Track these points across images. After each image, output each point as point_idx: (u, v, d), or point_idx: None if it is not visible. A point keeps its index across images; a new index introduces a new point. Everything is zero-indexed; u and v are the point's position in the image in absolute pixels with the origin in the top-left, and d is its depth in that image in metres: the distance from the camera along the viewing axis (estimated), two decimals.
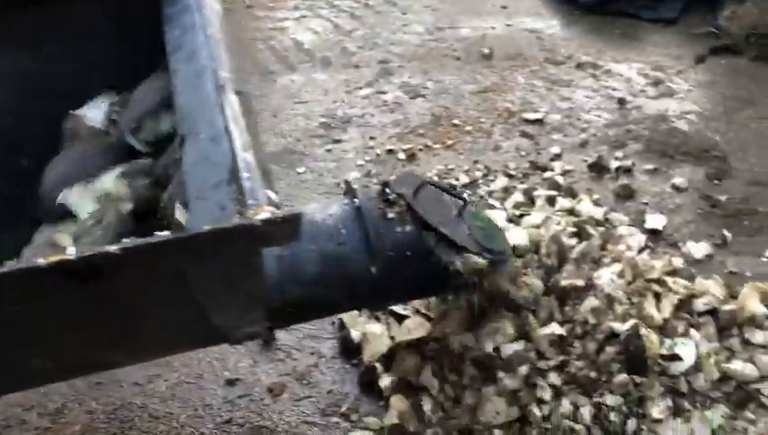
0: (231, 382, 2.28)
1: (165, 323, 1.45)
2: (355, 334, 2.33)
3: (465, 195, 2.03)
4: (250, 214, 1.13)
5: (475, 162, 3.24)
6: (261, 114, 3.71)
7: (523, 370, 1.83)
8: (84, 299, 1.21)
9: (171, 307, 1.37)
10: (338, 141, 3.48)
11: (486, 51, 4.16)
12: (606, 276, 1.90)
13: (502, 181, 3.04)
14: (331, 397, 2.22)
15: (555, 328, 1.87)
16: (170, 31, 1.89)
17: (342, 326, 2.39)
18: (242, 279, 1.31)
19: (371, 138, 3.48)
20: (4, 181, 1.97)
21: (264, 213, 1.12)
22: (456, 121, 3.56)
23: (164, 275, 1.24)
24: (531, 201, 2.82)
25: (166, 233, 1.21)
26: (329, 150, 3.41)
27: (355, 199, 1.89)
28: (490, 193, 2.99)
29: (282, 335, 2.42)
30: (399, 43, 4.38)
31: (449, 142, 3.40)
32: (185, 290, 1.29)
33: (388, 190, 1.89)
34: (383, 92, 3.87)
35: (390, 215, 1.83)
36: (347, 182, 1.99)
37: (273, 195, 1.20)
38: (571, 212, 2.66)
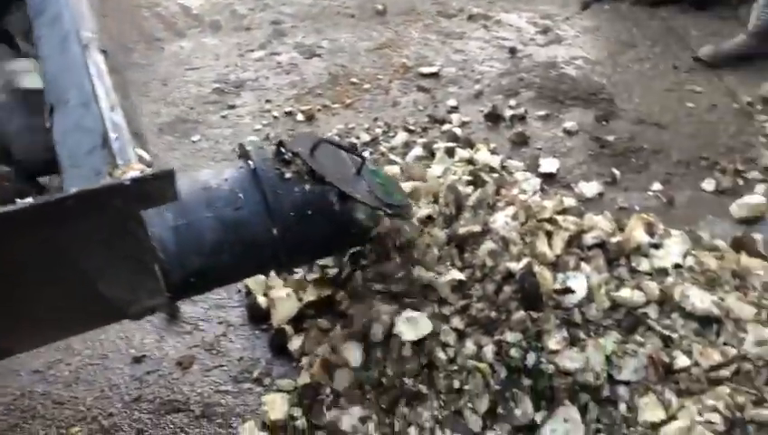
0: (138, 360, 2.22)
1: (56, 300, 1.39)
2: (262, 300, 2.31)
3: (363, 152, 2.01)
4: (118, 173, 1.08)
5: (375, 119, 3.24)
6: (150, 84, 3.57)
7: (426, 316, 1.87)
8: None
9: (58, 281, 1.31)
10: (233, 107, 3.40)
11: (380, 7, 4.13)
12: (501, 220, 1.96)
13: (402, 137, 3.06)
14: (243, 364, 2.20)
15: (455, 274, 1.91)
16: None
17: (249, 293, 2.36)
18: (125, 246, 1.26)
19: (267, 101, 3.41)
20: None
21: (134, 171, 1.08)
22: (353, 80, 3.53)
23: (40, 244, 1.17)
24: (431, 154, 2.85)
25: (29, 200, 1.14)
26: (224, 117, 3.32)
27: (250, 162, 1.84)
28: (391, 149, 3.00)
29: (187, 308, 2.37)
30: (291, 3, 4.28)
31: (348, 101, 3.38)
32: (69, 261, 1.23)
33: (283, 150, 1.85)
34: (277, 54, 3.79)
35: (288, 175, 1.80)
36: (241, 145, 1.93)
37: (144, 154, 1.17)
38: (469, 162, 2.71)
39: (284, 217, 1.77)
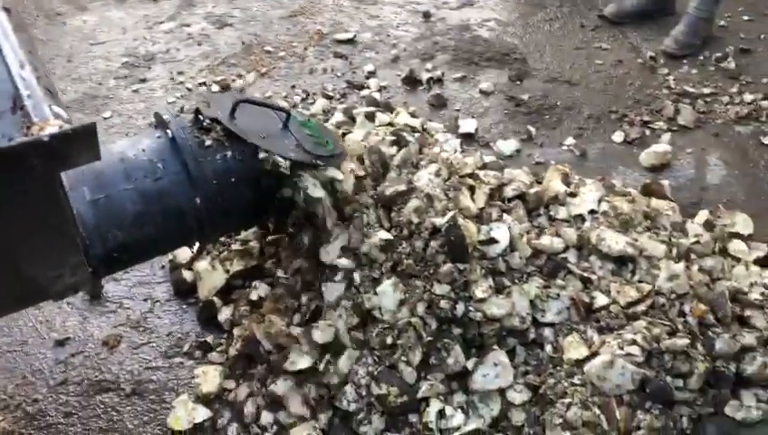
0: (61, 343, 2.14)
1: None
2: (188, 274, 2.27)
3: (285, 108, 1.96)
4: (35, 130, 1.03)
5: (293, 87, 3.20)
6: (54, 60, 3.40)
7: (357, 278, 1.89)
8: None
9: None
10: (144, 81, 3.28)
11: None
12: (425, 178, 1.98)
13: (321, 103, 3.04)
14: (172, 339, 2.16)
15: (383, 234, 1.93)
16: None
17: (174, 268, 2.32)
18: (45, 213, 1.20)
19: (180, 73, 3.31)
20: None
21: (52, 128, 1.03)
22: (268, 48, 3.47)
23: None
24: (351, 120, 2.84)
25: None
26: (135, 91, 3.21)
27: (168, 131, 1.79)
28: (311, 116, 2.98)
29: (110, 287, 2.30)
30: None
31: (263, 70, 3.32)
32: None
33: (201, 117, 1.81)
34: (187, 25, 3.68)
35: (208, 142, 1.75)
36: (156, 114, 1.86)
37: (60, 110, 1.10)
38: (390, 125, 2.72)
39: (207, 185, 1.72)
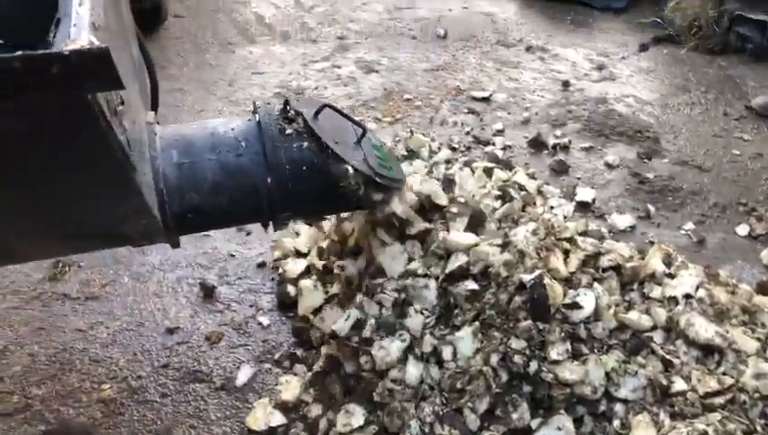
0: (171, 331, 2.38)
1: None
2: (292, 289, 2.45)
3: (364, 125, 2.10)
4: (61, 47, 1.06)
5: (422, 135, 3.36)
6: (218, 83, 3.80)
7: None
8: None
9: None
10: None
11: (441, 31, 4.29)
12: (521, 234, 2.04)
13: (445, 153, 3.15)
14: (266, 345, 2.33)
15: (470, 284, 2.00)
16: None
17: (281, 282, 2.51)
18: (89, 143, 1.28)
19: None
20: None
21: (74, 45, 1.06)
22: (407, 96, 3.68)
23: None
24: (470, 172, 2.95)
25: None
26: None
27: (257, 115, 1.96)
28: (433, 164, 3.12)
29: (223, 289, 2.53)
30: (358, 20, 4.48)
31: (398, 116, 3.52)
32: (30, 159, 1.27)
33: (288, 108, 1.96)
34: (338, 67, 3.97)
35: (288, 131, 1.91)
36: (254, 103, 2.05)
37: (94, 39, 1.12)
38: (505, 182, 2.80)
39: (280, 168, 1.86)
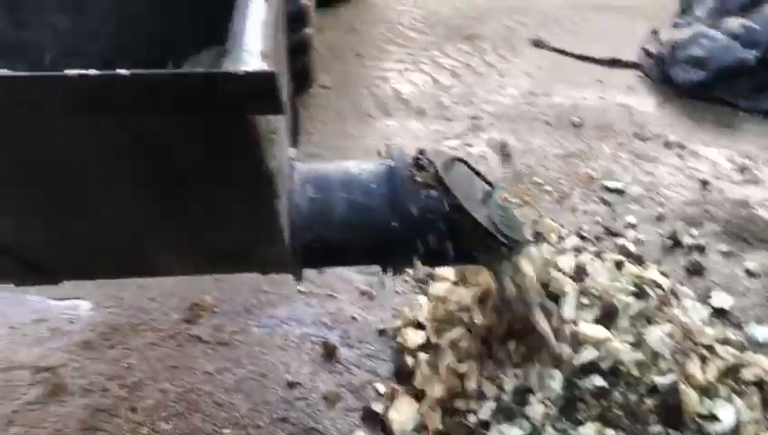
0: (291, 385, 2.45)
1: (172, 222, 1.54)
2: (410, 360, 2.47)
3: (494, 183, 2.12)
4: (235, 69, 1.13)
5: (551, 220, 3.35)
6: (354, 151, 3.97)
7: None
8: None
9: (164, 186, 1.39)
10: None
11: (577, 119, 4.30)
12: (655, 334, 1.97)
13: (573, 241, 3.13)
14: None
15: (598, 381, 1.95)
16: None
17: (400, 351, 2.54)
18: (242, 164, 1.34)
19: None
20: None
21: (247, 67, 1.13)
22: (536, 180, 3.69)
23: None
24: (601, 263, 2.90)
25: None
26: None
27: (390, 160, 2.03)
28: (560, 251, 3.09)
29: (344, 351, 2.59)
30: (493, 102, 4.58)
31: (527, 199, 3.53)
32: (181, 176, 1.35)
33: (420, 157, 2.01)
34: (470, 145, 4.06)
35: (419, 178, 1.95)
36: (387, 147, 2.12)
37: (265, 65, 1.18)
38: (637, 278, 2.72)
39: (406, 213, 1.91)
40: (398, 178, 1.96)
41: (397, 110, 4.51)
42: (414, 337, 2.56)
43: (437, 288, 2.65)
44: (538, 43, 5.55)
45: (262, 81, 1.10)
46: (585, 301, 2.14)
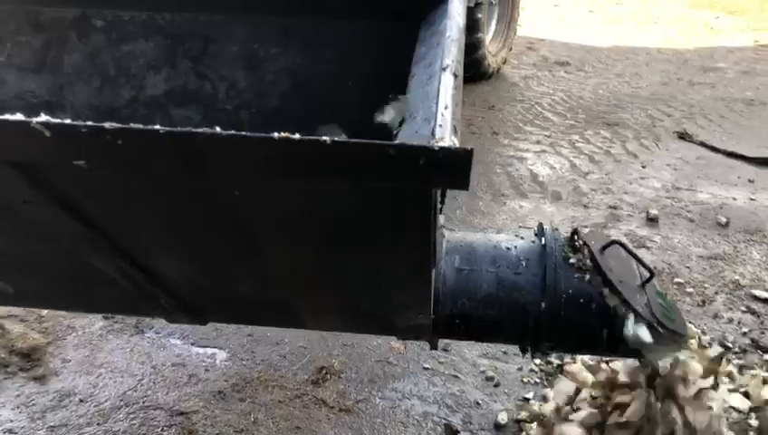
0: None
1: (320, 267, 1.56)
2: None
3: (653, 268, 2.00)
4: (436, 140, 1.16)
5: (689, 322, 3.18)
6: (486, 230, 3.98)
7: None
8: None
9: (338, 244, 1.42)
10: None
11: (723, 219, 4.10)
12: None
13: (716, 350, 2.95)
14: None
15: None
16: (418, 48, 1.94)
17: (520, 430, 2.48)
18: (414, 236, 1.35)
19: None
20: None
21: (442, 143, 1.14)
22: (677, 280, 3.53)
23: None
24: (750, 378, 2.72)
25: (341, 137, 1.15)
26: None
27: (543, 238, 1.96)
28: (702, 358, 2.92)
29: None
30: (633, 193, 4.47)
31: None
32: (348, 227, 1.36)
33: (576, 238, 1.94)
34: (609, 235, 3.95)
35: (572, 260, 1.87)
36: (539, 224, 2.06)
37: (456, 141, 1.20)
38: None
39: (557, 296, 1.83)
40: (550, 259, 1.90)
41: (532, 191, 4.49)
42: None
43: (565, 386, 2.58)
44: (684, 136, 5.39)
45: (458, 158, 1.12)
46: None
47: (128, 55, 2.15)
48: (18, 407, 2.65)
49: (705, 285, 3.49)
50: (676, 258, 3.74)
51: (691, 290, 3.45)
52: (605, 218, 4.15)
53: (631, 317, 1.85)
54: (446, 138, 1.17)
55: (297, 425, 2.59)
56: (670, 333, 1.92)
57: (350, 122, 2.16)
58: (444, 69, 1.47)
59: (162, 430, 2.57)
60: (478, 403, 2.72)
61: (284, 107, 2.15)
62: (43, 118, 1.03)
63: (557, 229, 2.04)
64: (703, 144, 5.25)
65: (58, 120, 1.03)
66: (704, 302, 3.36)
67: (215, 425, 2.59)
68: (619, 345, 1.93)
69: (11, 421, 2.58)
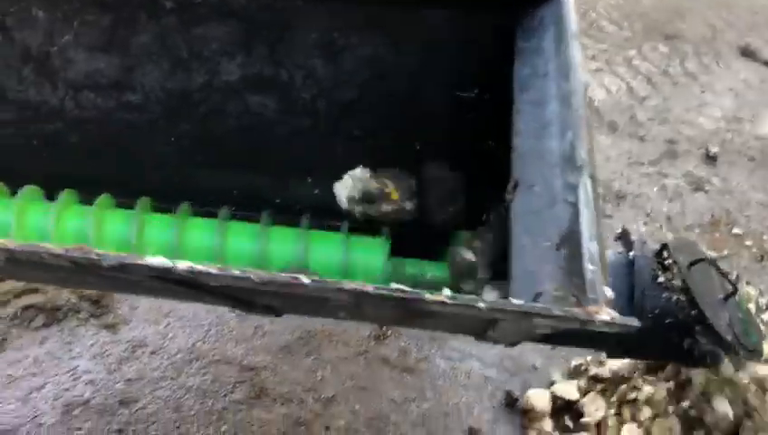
0: (472, 431, 2.55)
1: None
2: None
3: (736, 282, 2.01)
4: (590, 310, 1.07)
5: (747, 283, 3.17)
6: None
7: None
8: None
9: None
10: (608, 216, 3.58)
11: None
12: None
13: None
14: None
15: None
16: (520, 67, 1.79)
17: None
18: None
19: (644, 223, 3.53)
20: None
21: (605, 314, 1.07)
22: (736, 231, 3.49)
23: None
24: None
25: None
26: None
27: (631, 252, 1.93)
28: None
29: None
30: (691, 124, 4.32)
31: (725, 252, 3.36)
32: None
33: (665, 254, 1.90)
34: (664, 176, 3.87)
35: (661, 279, 1.85)
36: (625, 231, 2.04)
37: (609, 292, 1.14)
38: None
39: (642, 315, 1.81)
40: (639, 276, 1.87)
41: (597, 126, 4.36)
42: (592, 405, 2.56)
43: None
44: (747, 53, 5.11)
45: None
46: None
47: (200, 39, 2.04)
48: (94, 357, 2.77)
49: (765, 237, 3.45)
50: (735, 205, 3.67)
51: (750, 242, 3.42)
52: (661, 154, 4.04)
53: (711, 337, 1.86)
54: (602, 295, 1.10)
55: (362, 384, 2.70)
56: (749, 354, 1.93)
57: (431, 117, 2.09)
58: (579, 167, 1.33)
59: (233, 386, 2.69)
60: (536, 367, 2.80)
61: (363, 98, 2.06)
62: None
63: (645, 242, 2.00)
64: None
65: None
66: (762, 257, 3.34)
67: (283, 383, 2.70)
68: (700, 361, 1.95)
69: (89, 372, 2.70)
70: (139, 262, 0.95)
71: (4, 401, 2.57)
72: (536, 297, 1.17)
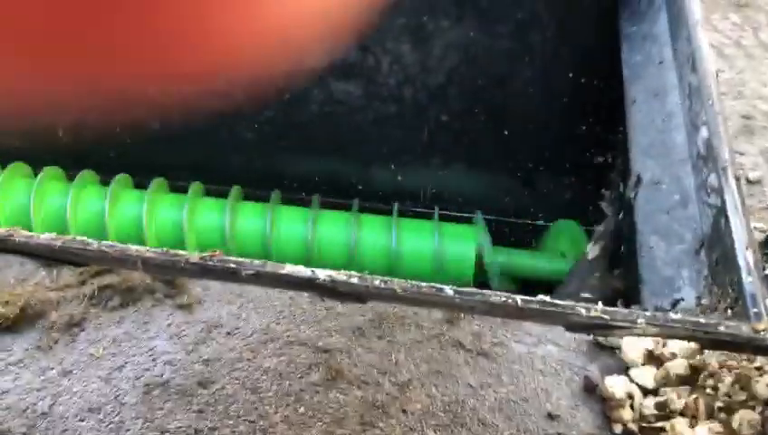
0: (551, 417, 2.53)
1: None
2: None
3: None
4: (759, 326, 0.98)
5: None
6: None
7: None
8: None
9: None
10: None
11: None
12: None
13: None
14: None
15: None
16: (629, 53, 1.69)
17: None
18: None
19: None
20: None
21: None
22: None
23: None
24: None
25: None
26: None
27: None
28: None
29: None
30: (767, 99, 4.15)
31: None
32: None
33: None
34: (741, 153, 3.74)
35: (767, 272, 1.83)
36: None
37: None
38: None
39: None
40: None
41: None
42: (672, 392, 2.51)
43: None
44: None
45: None
46: None
47: None
48: (171, 338, 2.81)
49: None
50: None
51: None
52: (737, 131, 3.89)
53: None
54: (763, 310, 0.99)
55: (438, 369, 2.69)
56: None
57: (521, 103, 2.03)
58: (723, 168, 1.20)
59: (309, 368, 2.71)
60: (614, 351, 2.75)
61: (451, 84, 2.01)
62: None
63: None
64: None
65: None
66: None
67: (358, 365, 2.71)
68: None
69: (167, 353, 2.75)
70: (281, 271, 0.93)
71: (87, 379, 2.63)
72: (674, 304, 1.12)
